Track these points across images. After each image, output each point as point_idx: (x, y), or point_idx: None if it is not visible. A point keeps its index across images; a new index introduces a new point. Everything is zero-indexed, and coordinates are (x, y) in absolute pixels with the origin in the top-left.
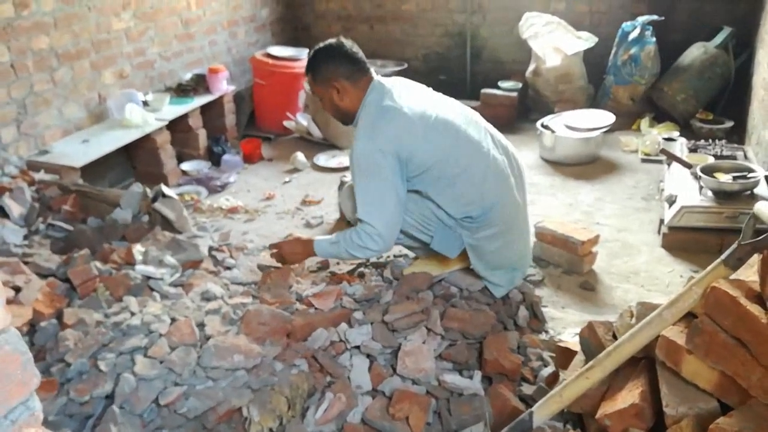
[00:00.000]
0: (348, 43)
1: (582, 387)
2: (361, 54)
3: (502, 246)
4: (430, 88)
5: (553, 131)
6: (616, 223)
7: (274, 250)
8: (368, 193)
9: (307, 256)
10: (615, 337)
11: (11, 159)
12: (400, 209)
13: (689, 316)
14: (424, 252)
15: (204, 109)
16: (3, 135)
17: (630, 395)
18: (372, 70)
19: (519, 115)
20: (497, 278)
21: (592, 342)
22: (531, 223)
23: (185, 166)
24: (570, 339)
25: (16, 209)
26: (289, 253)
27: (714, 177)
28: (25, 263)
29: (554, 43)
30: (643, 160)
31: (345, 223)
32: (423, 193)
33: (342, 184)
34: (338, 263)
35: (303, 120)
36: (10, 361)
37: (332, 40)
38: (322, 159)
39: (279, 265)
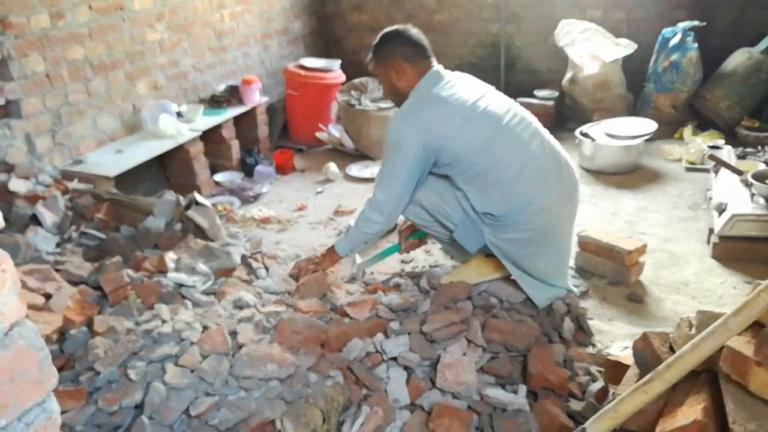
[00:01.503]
0: (414, 30)
1: (639, 402)
2: (425, 42)
3: (532, 254)
4: (493, 87)
5: (593, 139)
6: (662, 232)
7: (295, 271)
8: (385, 167)
9: (333, 260)
10: (672, 349)
11: (46, 168)
12: (408, 190)
13: (756, 326)
14: (458, 252)
15: (237, 120)
16: (38, 145)
17: (692, 411)
18: (433, 58)
19: (555, 124)
20: (535, 286)
21: (647, 354)
22: (574, 234)
23: (218, 177)
24: (618, 353)
25: (49, 217)
26: (315, 264)
27: (767, 183)
28: (57, 270)
29: (592, 50)
30: (688, 169)
31: None
32: (451, 179)
33: None
34: (372, 273)
35: (335, 131)
36: (24, 357)
37: (399, 26)
38: (355, 169)
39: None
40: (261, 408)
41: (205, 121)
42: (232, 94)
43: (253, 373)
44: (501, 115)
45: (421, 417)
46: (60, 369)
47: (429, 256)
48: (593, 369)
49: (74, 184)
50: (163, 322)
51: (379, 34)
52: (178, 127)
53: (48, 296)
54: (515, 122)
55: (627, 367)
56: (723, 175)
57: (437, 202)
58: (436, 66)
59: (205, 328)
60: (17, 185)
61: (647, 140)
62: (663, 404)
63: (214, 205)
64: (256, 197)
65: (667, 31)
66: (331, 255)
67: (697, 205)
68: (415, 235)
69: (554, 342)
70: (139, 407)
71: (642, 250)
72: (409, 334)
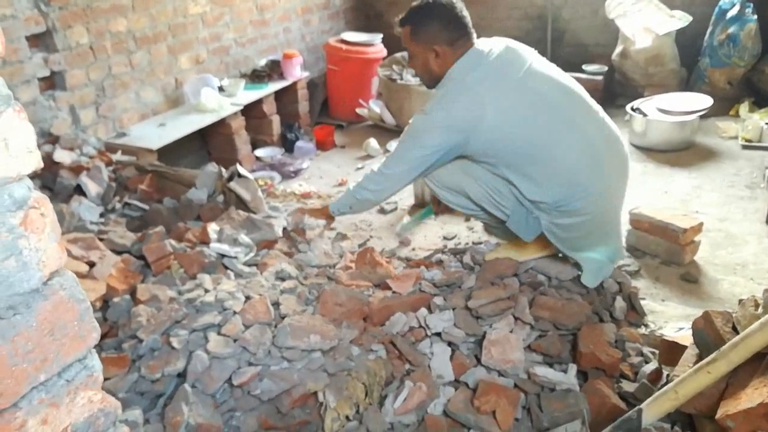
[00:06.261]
0: (459, 5)
1: (702, 383)
2: (468, 19)
3: (587, 236)
4: (540, 59)
5: (644, 115)
6: (717, 212)
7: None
8: (400, 149)
9: (323, 214)
10: (735, 329)
11: (90, 140)
12: (413, 176)
13: None
14: (503, 231)
15: (278, 95)
16: (82, 117)
17: (757, 394)
18: (473, 35)
19: (604, 100)
20: (587, 261)
21: (709, 334)
22: (625, 212)
23: (259, 152)
24: (673, 334)
25: (93, 188)
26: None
27: None
28: (101, 240)
29: (644, 22)
30: (744, 147)
31: (419, 207)
32: (497, 169)
33: None
34: (413, 249)
35: (376, 107)
36: (65, 309)
37: None
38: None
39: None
40: (303, 379)
41: (247, 95)
42: (273, 69)
43: (296, 343)
44: (548, 101)
45: (466, 394)
46: (103, 337)
47: (472, 233)
48: (646, 350)
49: (118, 156)
50: (206, 291)
51: (421, 3)
52: (219, 101)
53: (91, 264)
54: (565, 104)
55: (683, 348)
56: None
57: (485, 192)
58: (477, 44)
59: (247, 298)
60: (62, 156)
61: (701, 117)
62: (723, 387)
63: (254, 179)
64: (296, 173)
65: (724, 2)
66: (324, 210)
67: (755, 184)
68: None
69: (605, 321)
70: (182, 375)
71: (698, 228)
72: (453, 309)
